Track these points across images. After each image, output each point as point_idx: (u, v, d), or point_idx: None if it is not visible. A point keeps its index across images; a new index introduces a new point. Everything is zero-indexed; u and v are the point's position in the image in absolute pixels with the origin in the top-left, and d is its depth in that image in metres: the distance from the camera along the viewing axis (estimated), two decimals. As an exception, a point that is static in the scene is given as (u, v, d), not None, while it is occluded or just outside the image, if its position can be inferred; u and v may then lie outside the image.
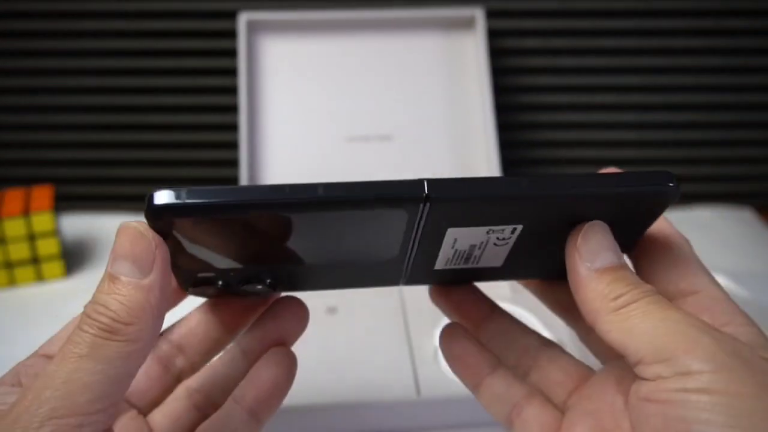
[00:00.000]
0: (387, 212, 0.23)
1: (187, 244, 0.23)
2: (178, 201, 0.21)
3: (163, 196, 0.21)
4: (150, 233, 0.22)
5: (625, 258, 0.26)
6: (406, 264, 0.26)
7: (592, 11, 0.62)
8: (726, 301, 0.24)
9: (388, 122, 0.58)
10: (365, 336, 0.45)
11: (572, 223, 0.24)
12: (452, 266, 0.27)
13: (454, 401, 0.38)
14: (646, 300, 0.22)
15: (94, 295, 0.21)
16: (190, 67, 0.62)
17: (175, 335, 0.29)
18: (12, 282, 0.52)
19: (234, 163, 0.59)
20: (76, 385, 0.19)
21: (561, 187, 0.22)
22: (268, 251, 0.25)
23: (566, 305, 0.29)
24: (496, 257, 0.26)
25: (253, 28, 0.58)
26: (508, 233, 0.24)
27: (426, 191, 0.22)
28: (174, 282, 0.26)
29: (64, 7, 0.60)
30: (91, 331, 0.20)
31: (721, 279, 0.52)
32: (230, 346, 0.30)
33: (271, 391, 0.28)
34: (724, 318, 0.23)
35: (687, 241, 0.26)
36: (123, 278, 0.21)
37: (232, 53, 0.59)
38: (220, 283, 0.26)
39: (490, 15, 0.60)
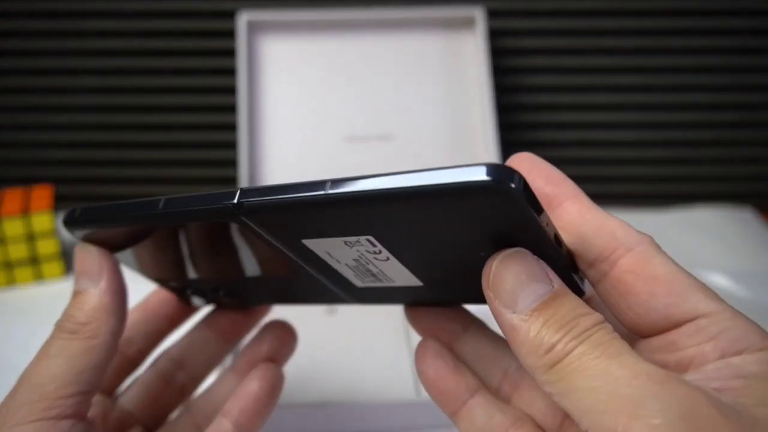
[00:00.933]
0: (227, 225, 0.22)
1: (124, 256, 0.26)
2: (74, 217, 0.25)
3: (68, 213, 0.25)
4: (93, 248, 0.26)
5: (587, 286, 0.21)
6: (323, 280, 0.25)
7: (592, 11, 0.62)
8: (734, 322, 0.18)
9: (388, 122, 0.58)
10: (365, 336, 0.45)
11: (455, 238, 0.19)
12: (370, 284, 0.24)
13: (454, 401, 0.38)
14: (581, 348, 0.17)
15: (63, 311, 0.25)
16: (190, 67, 0.62)
17: (175, 351, 0.31)
18: (11, 282, 0.52)
19: (234, 163, 0.59)
20: (44, 377, 0.23)
21: (354, 189, 0.18)
22: (192, 263, 0.26)
23: None
24: (401, 275, 0.23)
25: (253, 28, 0.58)
26: (370, 245, 0.21)
27: (236, 200, 0.20)
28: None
29: (63, 6, 0.60)
30: (59, 335, 0.24)
31: (721, 279, 0.52)
32: (225, 366, 0.32)
33: (253, 404, 0.28)
34: (736, 345, 0.18)
35: (655, 245, 0.20)
36: (83, 290, 0.25)
37: (232, 53, 0.59)
38: (189, 292, 0.28)
39: (490, 15, 0.60)
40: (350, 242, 0.21)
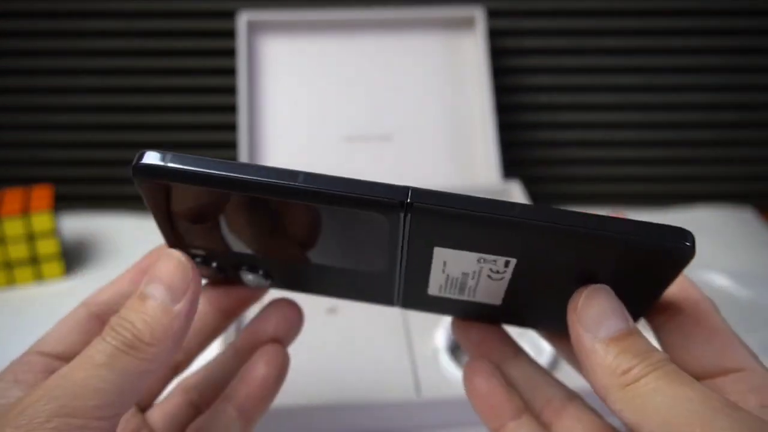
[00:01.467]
0: (367, 215, 0.21)
1: (174, 213, 0.23)
2: (161, 163, 0.21)
3: (149, 157, 0.21)
4: (190, 265, 0.23)
5: (642, 323, 0.24)
6: (397, 281, 0.25)
7: (593, 11, 0.62)
8: (764, 375, 0.22)
9: (388, 122, 0.58)
10: (365, 336, 0.45)
11: (576, 276, 0.22)
12: (447, 294, 0.25)
13: (454, 401, 0.38)
14: (656, 374, 0.20)
15: (121, 309, 0.22)
16: (190, 67, 0.62)
17: None
18: (11, 282, 0.52)
19: (234, 163, 0.59)
20: (87, 389, 0.20)
21: (556, 220, 0.20)
22: (256, 238, 0.24)
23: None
24: (493, 293, 0.24)
25: (253, 28, 0.58)
26: (502, 266, 0.22)
27: (408, 198, 0.20)
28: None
29: (63, 6, 0.60)
30: (113, 342, 0.21)
31: (721, 279, 0.52)
32: (226, 345, 0.30)
33: (260, 389, 0.27)
34: (762, 395, 0.21)
35: (715, 305, 0.24)
36: (153, 300, 0.22)
37: (232, 53, 0.59)
38: (214, 264, 0.26)
39: (490, 15, 0.60)
40: (486, 259, 0.22)
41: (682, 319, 0.23)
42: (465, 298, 0.25)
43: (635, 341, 0.21)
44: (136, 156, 0.21)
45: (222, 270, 0.27)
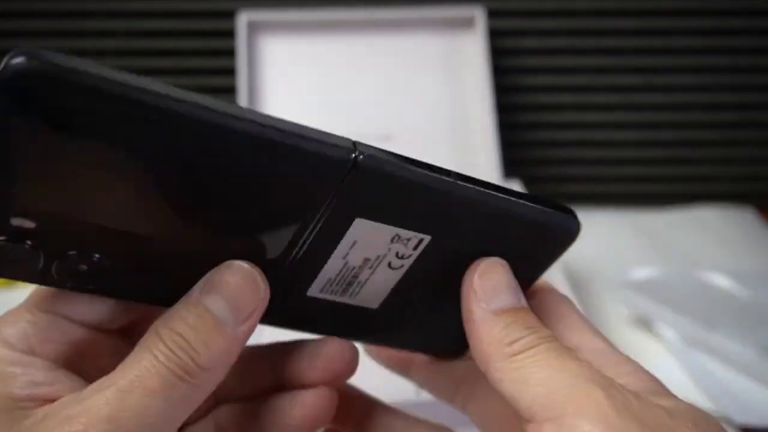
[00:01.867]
0: (301, 174, 0.18)
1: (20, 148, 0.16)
2: (43, 66, 0.14)
3: (28, 58, 0.14)
4: (260, 279, 0.20)
5: None
6: (282, 273, 0.21)
7: (592, 11, 0.62)
8: (614, 352, 0.22)
9: (388, 122, 0.58)
10: (365, 336, 0.45)
11: (474, 257, 0.22)
12: (327, 295, 0.23)
13: (454, 401, 0.38)
14: (543, 347, 0.20)
15: (174, 319, 0.19)
16: (190, 67, 0.62)
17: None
18: (11, 282, 0.52)
19: (234, 163, 0.59)
20: (139, 424, 0.18)
21: (489, 189, 0.21)
22: (129, 201, 0.18)
23: (453, 387, 0.27)
24: (378, 291, 0.23)
25: (253, 28, 0.58)
26: (411, 248, 0.22)
27: (357, 152, 0.19)
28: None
29: (63, 6, 0.60)
30: (168, 365, 0.18)
31: (721, 279, 0.52)
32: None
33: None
34: (615, 369, 0.21)
35: (559, 291, 0.25)
36: (213, 317, 0.19)
37: (232, 53, 0.59)
38: (28, 243, 0.19)
39: (490, 15, 0.60)
40: (400, 237, 0.21)
41: (534, 303, 0.24)
42: (344, 299, 0.23)
43: (526, 316, 0.21)
44: (6, 57, 0.14)
45: (35, 254, 0.20)
